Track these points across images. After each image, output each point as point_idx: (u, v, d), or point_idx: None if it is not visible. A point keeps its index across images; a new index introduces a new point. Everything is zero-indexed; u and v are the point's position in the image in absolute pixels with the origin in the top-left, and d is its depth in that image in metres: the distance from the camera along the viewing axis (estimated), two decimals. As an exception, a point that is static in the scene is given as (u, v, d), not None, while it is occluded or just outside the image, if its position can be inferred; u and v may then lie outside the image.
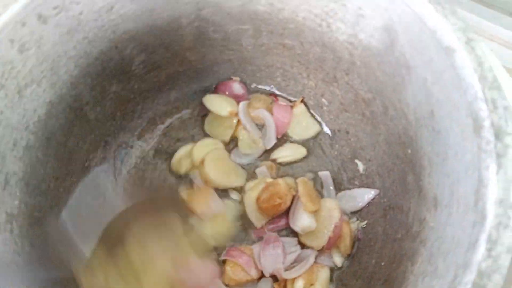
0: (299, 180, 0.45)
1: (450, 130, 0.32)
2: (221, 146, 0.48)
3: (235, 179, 0.47)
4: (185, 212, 0.39)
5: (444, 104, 0.32)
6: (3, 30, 0.32)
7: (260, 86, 0.52)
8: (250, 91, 0.52)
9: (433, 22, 0.30)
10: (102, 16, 0.39)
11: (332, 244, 0.43)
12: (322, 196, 0.47)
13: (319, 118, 0.50)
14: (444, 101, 0.32)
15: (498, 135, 0.27)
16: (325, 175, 0.47)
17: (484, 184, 0.26)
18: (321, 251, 0.43)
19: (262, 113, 0.49)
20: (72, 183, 0.43)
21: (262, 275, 0.43)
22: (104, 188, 0.35)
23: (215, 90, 0.51)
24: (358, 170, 0.47)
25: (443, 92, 0.32)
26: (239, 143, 0.49)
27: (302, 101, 0.50)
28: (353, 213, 0.46)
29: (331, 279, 0.43)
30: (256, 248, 0.43)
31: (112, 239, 0.32)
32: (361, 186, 0.46)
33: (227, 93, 0.50)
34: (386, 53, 0.37)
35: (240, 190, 0.47)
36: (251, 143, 0.48)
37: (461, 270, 0.25)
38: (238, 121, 0.49)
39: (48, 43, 0.36)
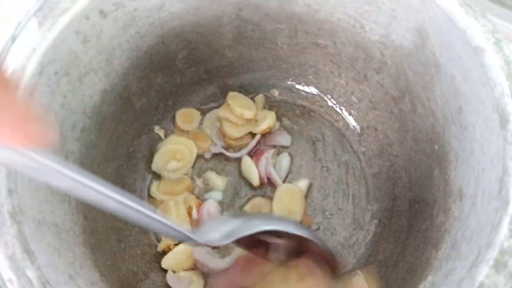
0: None
1: (476, 125, 0.34)
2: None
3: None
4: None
5: (472, 101, 0.34)
6: (71, 23, 0.36)
7: (293, 83, 0.54)
8: (283, 87, 0.55)
9: (464, 23, 0.33)
10: (154, 13, 0.42)
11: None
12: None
13: (348, 116, 0.53)
14: (472, 98, 0.34)
15: (523, 128, 0.29)
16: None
17: (509, 173, 0.28)
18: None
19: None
20: (118, 165, 0.47)
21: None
22: None
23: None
24: (384, 166, 0.49)
25: (470, 89, 0.34)
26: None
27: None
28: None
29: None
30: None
31: None
32: (387, 180, 0.49)
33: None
34: (417, 53, 0.39)
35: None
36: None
37: (483, 250, 0.27)
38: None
39: (106, 36, 0.40)
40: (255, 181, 0.49)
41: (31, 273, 0.28)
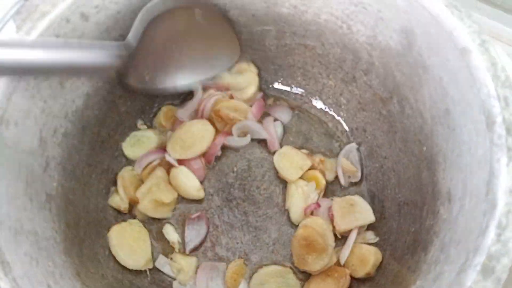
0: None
1: (464, 127, 0.33)
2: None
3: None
4: None
5: (459, 102, 0.34)
6: (50, 26, 0.35)
7: (280, 87, 0.54)
8: (271, 90, 0.54)
9: (450, 25, 0.32)
10: (137, 15, 0.41)
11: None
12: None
13: (336, 117, 0.52)
14: (459, 99, 0.34)
15: (509, 130, 0.29)
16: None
17: (495, 175, 0.28)
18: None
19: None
20: (103, 170, 0.46)
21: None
22: None
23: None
24: (374, 167, 0.49)
25: (458, 90, 0.33)
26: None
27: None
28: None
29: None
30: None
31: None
32: (376, 182, 0.48)
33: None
34: (404, 54, 0.39)
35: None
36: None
37: (471, 254, 0.27)
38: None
39: (88, 39, 0.39)
40: None
41: (4, 285, 0.27)
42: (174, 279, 0.45)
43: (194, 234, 0.47)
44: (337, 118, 0.52)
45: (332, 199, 0.47)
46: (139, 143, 0.49)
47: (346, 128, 0.52)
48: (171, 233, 0.46)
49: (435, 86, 0.36)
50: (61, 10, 0.36)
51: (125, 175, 0.47)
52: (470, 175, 0.32)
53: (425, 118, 0.39)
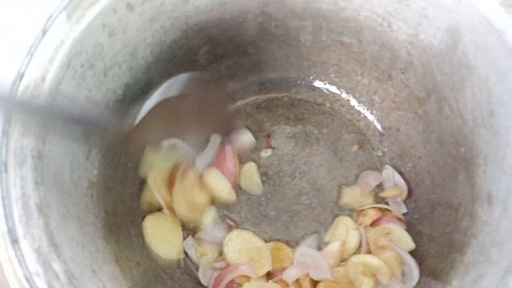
0: None
1: (510, 129, 0.33)
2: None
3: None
4: None
5: (506, 104, 0.33)
6: (99, 15, 0.36)
7: (314, 82, 0.54)
8: (303, 86, 0.54)
9: (501, 23, 0.32)
10: (179, 7, 0.42)
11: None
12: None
13: (369, 115, 0.52)
14: (506, 101, 0.33)
15: (562, 133, 0.28)
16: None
17: (545, 178, 0.28)
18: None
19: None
20: (138, 160, 0.47)
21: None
22: None
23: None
24: (405, 167, 0.49)
25: (505, 91, 0.33)
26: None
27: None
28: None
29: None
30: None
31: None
32: (409, 182, 0.48)
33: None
34: (447, 53, 0.38)
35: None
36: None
37: (519, 257, 0.26)
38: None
39: (132, 29, 0.39)
40: None
41: (57, 267, 0.28)
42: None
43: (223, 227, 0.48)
44: (370, 116, 0.52)
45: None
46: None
47: (379, 127, 0.51)
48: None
49: (480, 87, 0.36)
50: (109, 0, 0.36)
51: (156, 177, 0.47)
52: (516, 178, 0.31)
53: (465, 120, 0.39)
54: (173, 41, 0.44)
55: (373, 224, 0.46)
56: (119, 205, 0.42)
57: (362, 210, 0.47)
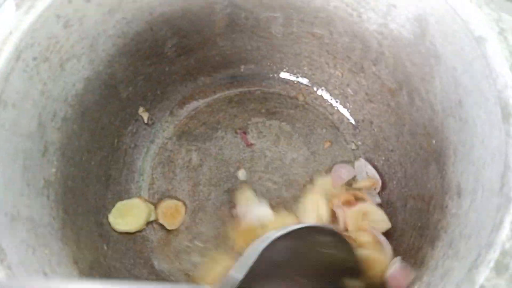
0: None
1: (477, 119, 0.32)
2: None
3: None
4: None
5: (473, 93, 0.32)
6: (51, 5, 0.34)
7: (287, 74, 0.53)
8: (276, 79, 0.53)
9: (467, 13, 0.31)
10: (140, -3, 0.40)
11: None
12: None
13: (342, 109, 0.51)
14: (473, 90, 0.32)
15: (527, 122, 0.27)
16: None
17: (511, 168, 0.27)
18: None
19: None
20: (102, 157, 0.45)
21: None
22: None
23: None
24: (379, 161, 0.48)
25: (472, 81, 0.32)
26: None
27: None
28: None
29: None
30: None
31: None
32: (382, 176, 0.47)
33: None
34: (416, 43, 0.38)
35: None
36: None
37: (484, 250, 0.26)
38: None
39: (90, 21, 0.38)
40: None
41: None
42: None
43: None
44: (343, 109, 0.51)
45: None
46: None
47: (353, 121, 0.50)
48: None
49: (448, 77, 0.35)
50: (62, -11, 0.34)
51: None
52: (483, 169, 0.31)
53: (435, 110, 0.38)
54: (137, 33, 0.43)
55: (348, 204, 0.44)
56: (81, 205, 0.41)
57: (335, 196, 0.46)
